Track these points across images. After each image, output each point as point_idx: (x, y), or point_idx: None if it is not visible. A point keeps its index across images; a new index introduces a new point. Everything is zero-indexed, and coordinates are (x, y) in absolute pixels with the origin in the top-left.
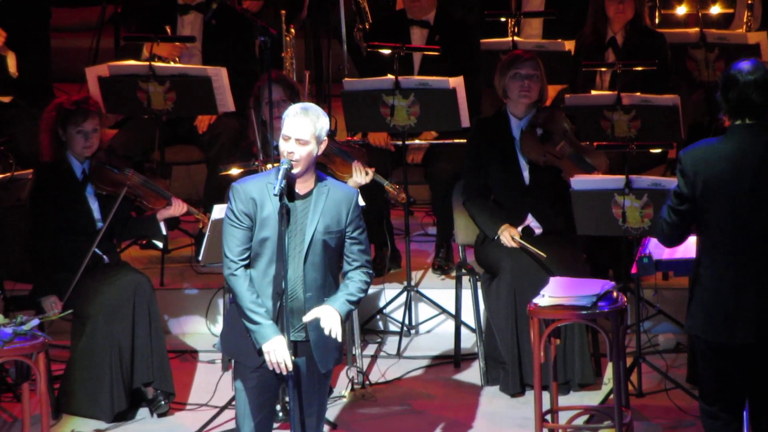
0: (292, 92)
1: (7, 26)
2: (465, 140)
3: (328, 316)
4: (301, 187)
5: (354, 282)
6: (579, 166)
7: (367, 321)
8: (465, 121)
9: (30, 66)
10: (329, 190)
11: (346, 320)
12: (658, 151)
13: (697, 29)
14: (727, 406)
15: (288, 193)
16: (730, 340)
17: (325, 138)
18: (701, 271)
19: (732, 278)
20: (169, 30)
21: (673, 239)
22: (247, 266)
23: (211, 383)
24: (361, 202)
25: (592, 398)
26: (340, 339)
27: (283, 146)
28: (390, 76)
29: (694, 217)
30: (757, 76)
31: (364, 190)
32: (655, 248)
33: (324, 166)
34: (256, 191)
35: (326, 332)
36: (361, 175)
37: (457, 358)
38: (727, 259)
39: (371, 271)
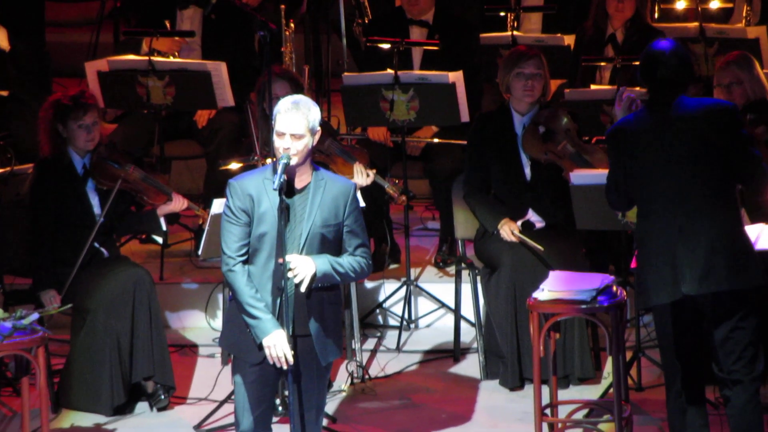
0: (297, 87)
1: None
2: (464, 140)
3: (302, 264)
4: (298, 181)
5: (348, 257)
6: (580, 166)
7: (366, 315)
8: (464, 116)
9: (28, 60)
10: (326, 183)
11: (321, 282)
12: None
13: (696, 24)
14: (686, 375)
15: (286, 187)
16: (673, 297)
17: (319, 129)
18: (639, 243)
19: (661, 238)
20: (168, 25)
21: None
22: (245, 262)
23: (211, 377)
24: (362, 203)
25: (592, 392)
26: (302, 289)
27: (279, 142)
28: (389, 71)
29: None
30: (677, 53)
31: (364, 189)
32: None
33: (326, 166)
34: (253, 187)
35: (290, 275)
36: (362, 177)
37: (456, 353)
38: (654, 222)
39: (369, 261)
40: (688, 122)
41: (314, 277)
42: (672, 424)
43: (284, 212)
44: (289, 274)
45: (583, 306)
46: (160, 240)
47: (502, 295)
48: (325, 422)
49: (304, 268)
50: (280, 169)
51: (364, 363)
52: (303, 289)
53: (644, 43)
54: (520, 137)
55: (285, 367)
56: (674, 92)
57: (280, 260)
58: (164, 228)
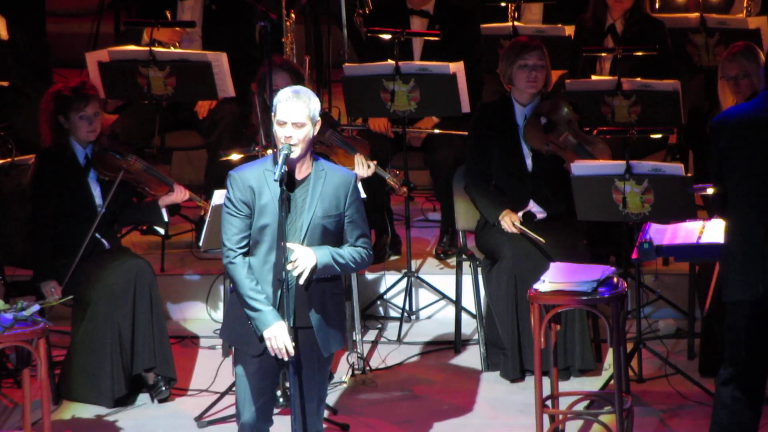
0: (298, 78)
1: (2, 11)
2: (465, 131)
3: (303, 255)
4: (298, 172)
5: (348, 247)
6: (582, 157)
7: (367, 307)
8: (465, 107)
9: (29, 51)
10: (327, 174)
11: (322, 274)
12: (659, 136)
13: (697, 14)
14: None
15: (286, 178)
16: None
17: (319, 118)
18: (730, 236)
19: (761, 232)
20: (169, 15)
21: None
22: (245, 254)
23: (212, 369)
24: (362, 194)
25: (593, 384)
26: (302, 281)
27: (280, 132)
28: (390, 62)
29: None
30: None
31: (365, 181)
32: (656, 233)
33: (327, 157)
34: (253, 179)
35: (289, 267)
36: (363, 168)
37: (457, 344)
38: (753, 216)
39: (370, 252)
40: None
41: (315, 268)
42: (722, 416)
43: (285, 203)
44: (289, 266)
45: (584, 297)
46: (161, 231)
47: (503, 287)
48: (326, 413)
49: (304, 259)
50: (281, 160)
51: (365, 354)
52: (302, 281)
53: (644, 34)
54: (522, 128)
55: (286, 358)
56: None
57: (283, 243)
58: (166, 219)
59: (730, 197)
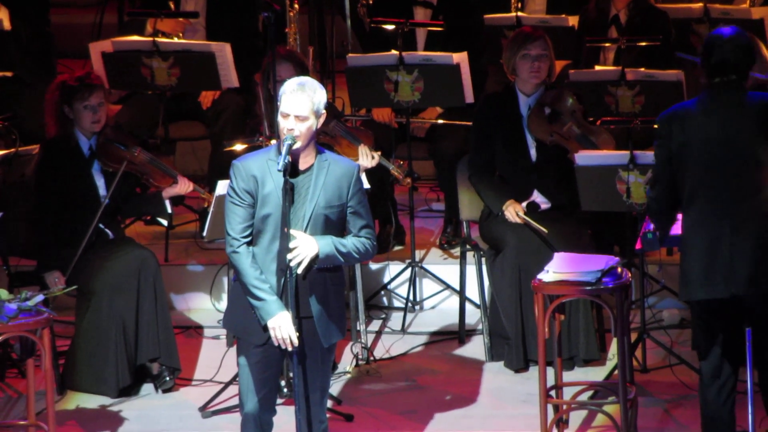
0: (302, 69)
1: (7, 2)
2: (469, 122)
3: (304, 243)
4: (302, 162)
5: (352, 238)
6: (586, 147)
7: (371, 297)
8: (469, 97)
9: (32, 41)
10: (330, 164)
11: (324, 263)
12: None
13: (701, 4)
14: (721, 362)
15: (290, 168)
16: (710, 295)
17: (324, 111)
18: (686, 235)
19: (711, 233)
20: (172, 5)
21: (662, 215)
22: (249, 243)
23: (216, 359)
24: (366, 185)
25: (597, 374)
26: (300, 271)
27: (283, 123)
28: (394, 52)
29: (675, 182)
30: (737, 40)
31: (369, 171)
32: None
33: (330, 147)
34: (257, 168)
35: (290, 256)
36: (367, 159)
37: (461, 334)
38: (707, 214)
39: (374, 243)
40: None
41: (316, 257)
42: (712, 416)
43: (288, 193)
44: (289, 256)
45: (588, 287)
46: (165, 222)
47: (507, 277)
48: (329, 404)
49: (304, 248)
50: (284, 150)
51: (368, 345)
52: (300, 270)
53: (647, 24)
54: (526, 118)
55: (290, 348)
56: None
57: (286, 229)
58: (169, 211)
59: (689, 192)
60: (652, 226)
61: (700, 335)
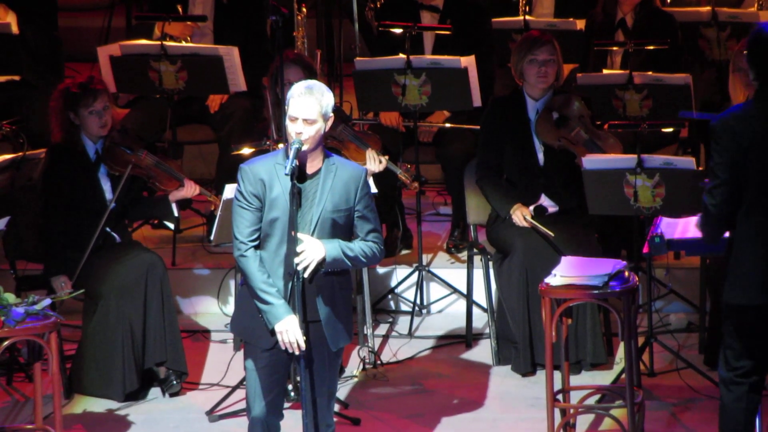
0: (311, 73)
1: (15, 5)
2: (476, 125)
3: (311, 247)
4: (309, 166)
5: (359, 242)
6: (593, 152)
7: (378, 301)
8: (477, 101)
9: (40, 45)
10: (337, 168)
11: (331, 267)
12: (670, 130)
13: (708, 8)
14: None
15: (297, 172)
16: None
17: (332, 114)
18: (737, 239)
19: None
20: (180, 9)
21: (721, 221)
22: (257, 247)
23: (223, 363)
24: (374, 189)
25: (604, 378)
26: (306, 275)
27: (291, 127)
28: (401, 56)
29: (737, 189)
30: None
31: (376, 175)
32: (667, 227)
33: (338, 152)
34: (264, 172)
35: (297, 260)
36: (374, 164)
37: (468, 338)
38: (763, 221)
39: (381, 247)
40: None
41: (323, 261)
42: (731, 419)
43: (296, 197)
44: (296, 259)
45: (596, 291)
46: (172, 226)
47: (514, 281)
48: (336, 408)
49: (312, 252)
50: (292, 153)
51: (376, 348)
52: (307, 275)
53: (654, 27)
54: (534, 123)
55: (297, 352)
56: None
57: (293, 233)
58: (176, 214)
59: (749, 197)
60: (659, 229)
61: (734, 339)
